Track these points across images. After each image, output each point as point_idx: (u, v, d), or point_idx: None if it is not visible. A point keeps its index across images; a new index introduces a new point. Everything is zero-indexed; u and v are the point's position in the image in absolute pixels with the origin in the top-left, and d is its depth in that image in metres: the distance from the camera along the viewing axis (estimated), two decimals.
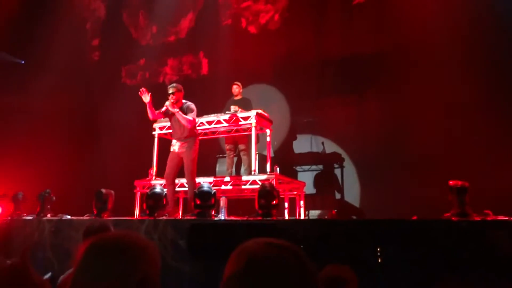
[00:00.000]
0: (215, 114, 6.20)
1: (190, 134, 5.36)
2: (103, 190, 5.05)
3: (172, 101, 5.17)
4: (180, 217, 5.75)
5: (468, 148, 5.93)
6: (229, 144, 6.69)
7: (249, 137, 6.08)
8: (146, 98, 5.16)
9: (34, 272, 1.09)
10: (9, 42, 9.68)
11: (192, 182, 5.30)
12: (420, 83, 6.54)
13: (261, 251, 0.91)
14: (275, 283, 0.86)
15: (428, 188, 5.58)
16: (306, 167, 7.65)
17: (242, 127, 6.12)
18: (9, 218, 5.33)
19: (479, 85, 6.12)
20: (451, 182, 3.80)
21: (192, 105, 5.37)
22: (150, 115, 5.33)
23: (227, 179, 5.92)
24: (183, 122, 5.19)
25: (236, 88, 6.75)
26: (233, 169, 6.67)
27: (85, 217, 4.90)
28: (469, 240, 3.08)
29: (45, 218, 5.16)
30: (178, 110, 5.19)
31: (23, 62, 10.21)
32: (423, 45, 6.63)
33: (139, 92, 5.17)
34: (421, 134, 6.35)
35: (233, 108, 6.13)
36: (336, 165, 7.42)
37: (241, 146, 6.56)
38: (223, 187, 5.82)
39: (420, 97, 6.46)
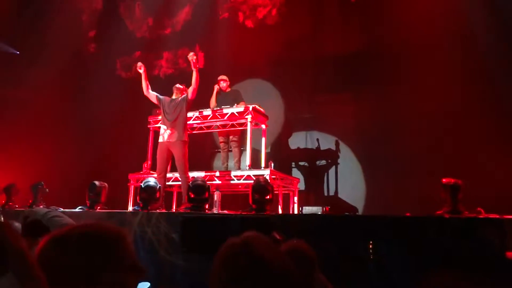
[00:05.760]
0: (219, 107, 6.23)
1: (181, 120, 5.41)
2: (97, 183, 5.01)
3: (194, 60, 5.49)
4: (174, 210, 5.73)
5: (462, 146, 5.96)
6: (222, 137, 6.67)
7: (242, 130, 6.08)
8: (141, 69, 5.59)
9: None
10: (4, 32, 9.57)
11: (185, 176, 5.31)
12: (417, 81, 6.55)
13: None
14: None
15: (422, 185, 5.61)
16: (301, 163, 7.66)
17: (237, 122, 6.12)
18: (1, 209, 5.29)
19: (476, 84, 6.16)
20: (444, 180, 3.84)
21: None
22: (144, 88, 5.63)
23: (217, 174, 5.92)
24: (195, 81, 5.48)
25: (223, 83, 6.63)
26: (228, 163, 6.65)
27: (77, 209, 4.86)
28: (461, 237, 3.10)
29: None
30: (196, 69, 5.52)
31: (18, 52, 10.11)
32: (420, 43, 6.63)
33: (137, 67, 5.61)
34: (415, 132, 6.38)
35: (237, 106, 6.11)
36: (330, 162, 7.43)
37: (233, 138, 6.51)
38: (216, 181, 5.82)
39: (416, 95, 6.47)
